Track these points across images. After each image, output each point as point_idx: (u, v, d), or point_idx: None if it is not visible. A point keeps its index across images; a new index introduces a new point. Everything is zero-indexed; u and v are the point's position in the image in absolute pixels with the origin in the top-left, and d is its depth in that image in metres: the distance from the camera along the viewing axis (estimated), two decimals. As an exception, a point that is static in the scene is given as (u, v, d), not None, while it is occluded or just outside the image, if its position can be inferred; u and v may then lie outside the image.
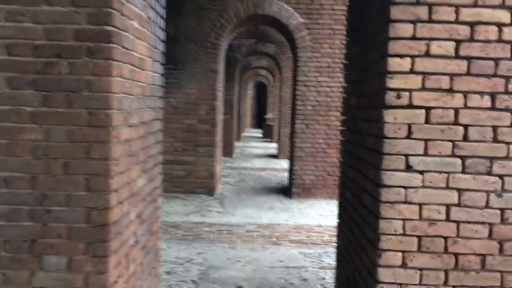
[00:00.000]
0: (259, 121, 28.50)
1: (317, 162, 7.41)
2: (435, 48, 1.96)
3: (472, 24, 1.94)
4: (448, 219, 1.98)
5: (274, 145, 17.17)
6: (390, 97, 1.98)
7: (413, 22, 1.96)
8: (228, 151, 13.02)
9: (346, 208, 2.90)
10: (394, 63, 1.98)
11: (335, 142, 7.36)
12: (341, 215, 3.10)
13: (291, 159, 7.72)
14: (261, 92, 29.46)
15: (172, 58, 7.40)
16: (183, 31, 7.35)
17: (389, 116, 1.98)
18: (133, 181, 2.19)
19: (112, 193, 1.85)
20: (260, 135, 22.99)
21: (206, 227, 5.51)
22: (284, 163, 11.99)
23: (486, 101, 1.96)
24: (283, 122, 12.93)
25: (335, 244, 3.30)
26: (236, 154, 13.95)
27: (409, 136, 1.98)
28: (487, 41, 1.94)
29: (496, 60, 1.94)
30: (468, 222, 1.98)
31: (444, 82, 1.96)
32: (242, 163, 11.89)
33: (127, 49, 1.99)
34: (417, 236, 1.99)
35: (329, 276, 3.95)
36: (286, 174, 9.99)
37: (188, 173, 7.50)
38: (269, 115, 22.63)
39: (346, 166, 2.93)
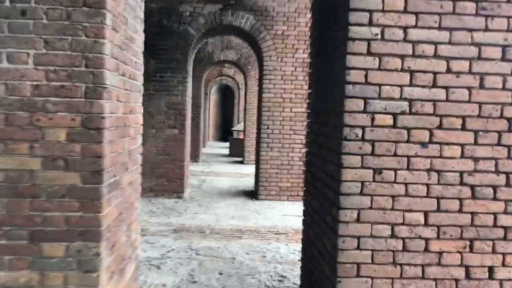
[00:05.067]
0: (225, 133, 23.44)
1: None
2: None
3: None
4: None
5: (248, 169, 12.18)
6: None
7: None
8: (176, 189, 7.92)
9: None
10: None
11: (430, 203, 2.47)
12: None
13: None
14: (227, 98, 24.46)
15: None
16: None
17: None
18: None
19: None
20: (226, 151, 17.97)
21: None
22: (270, 211, 7.01)
23: None
24: (266, 137, 7.95)
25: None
26: (191, 190, 8.85)
27: None
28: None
29: None
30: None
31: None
32: (199, 215, 6.82)
33: None
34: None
35: None
36: (284, 248, 5.01)
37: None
38: (238, 127, 17.67)
39: None
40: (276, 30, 7.79)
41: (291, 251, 5.05)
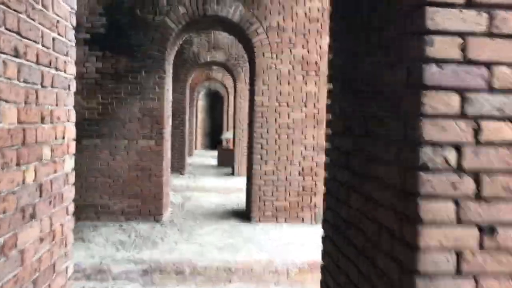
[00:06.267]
0: (214, 141, 22.18)
1: None
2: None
3: None
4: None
5: (239, 182, 10.93)
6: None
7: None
8: (153, 211, 6.65)
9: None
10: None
11: None
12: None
13: None
14: (216, 103, 23.24)
15: None
16: None
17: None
18: None
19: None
20: (215, 161, 16.70)
21: None
22: (265, 237, 5.78)
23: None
24: (260, 148, 6.75)
25: None
26: (172, 211, 7.59)
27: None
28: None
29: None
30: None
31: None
32: (179, 245, 5.58)
33: None
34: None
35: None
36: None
37: None
38: (227, 135, 16.44)
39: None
40: (270, 22, 6.60)
41: (297, 301, 3.83)
